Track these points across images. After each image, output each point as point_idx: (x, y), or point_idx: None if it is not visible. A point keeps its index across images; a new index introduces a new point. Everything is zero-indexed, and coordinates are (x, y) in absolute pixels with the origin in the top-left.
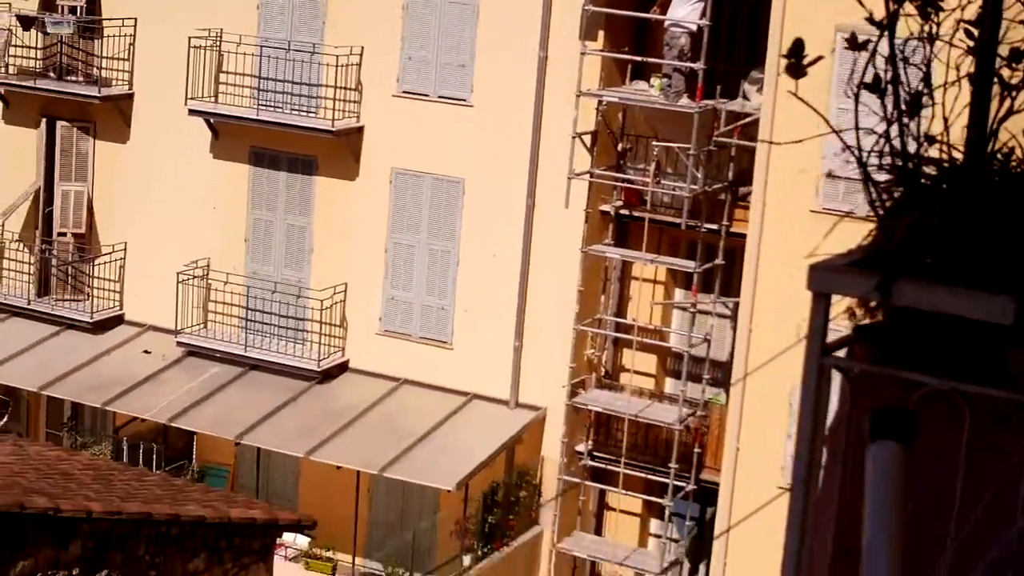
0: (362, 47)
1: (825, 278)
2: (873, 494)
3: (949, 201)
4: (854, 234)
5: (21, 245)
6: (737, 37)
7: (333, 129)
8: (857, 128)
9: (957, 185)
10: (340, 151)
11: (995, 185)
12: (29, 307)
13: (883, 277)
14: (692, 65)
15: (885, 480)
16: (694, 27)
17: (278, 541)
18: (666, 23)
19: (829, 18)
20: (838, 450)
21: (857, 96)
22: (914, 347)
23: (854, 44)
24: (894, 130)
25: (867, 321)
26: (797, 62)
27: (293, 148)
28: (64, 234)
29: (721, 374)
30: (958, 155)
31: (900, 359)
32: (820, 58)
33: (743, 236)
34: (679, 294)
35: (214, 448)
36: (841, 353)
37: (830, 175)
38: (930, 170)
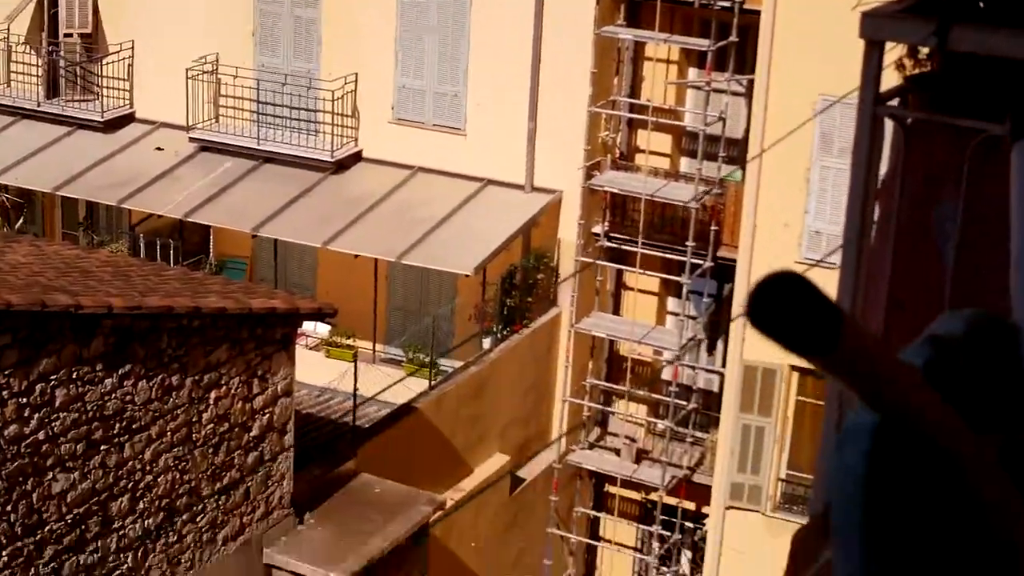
0: None
1: (878, 25)
2: (1021, 193)
3: None
4: None
5: (28, 47)
6: None
7: None
8: None
9: None
10: None
11: None
12: (39, 109)
13: (940, 22)
14: None
15: None
16: None
17: (299, 330)
18: None
19: None
20: (890, 205)
21: None
22: (968, 95)
23: None
24: None
25: (918, 71)
26: None
27: None
28: (71, 35)
29: (736, 152)
30: None
31: (955, 107)
32: None
33: (757, 13)
34: (693, 73)
35: (231, 241)
36: (894, 103)
37: None
38: None
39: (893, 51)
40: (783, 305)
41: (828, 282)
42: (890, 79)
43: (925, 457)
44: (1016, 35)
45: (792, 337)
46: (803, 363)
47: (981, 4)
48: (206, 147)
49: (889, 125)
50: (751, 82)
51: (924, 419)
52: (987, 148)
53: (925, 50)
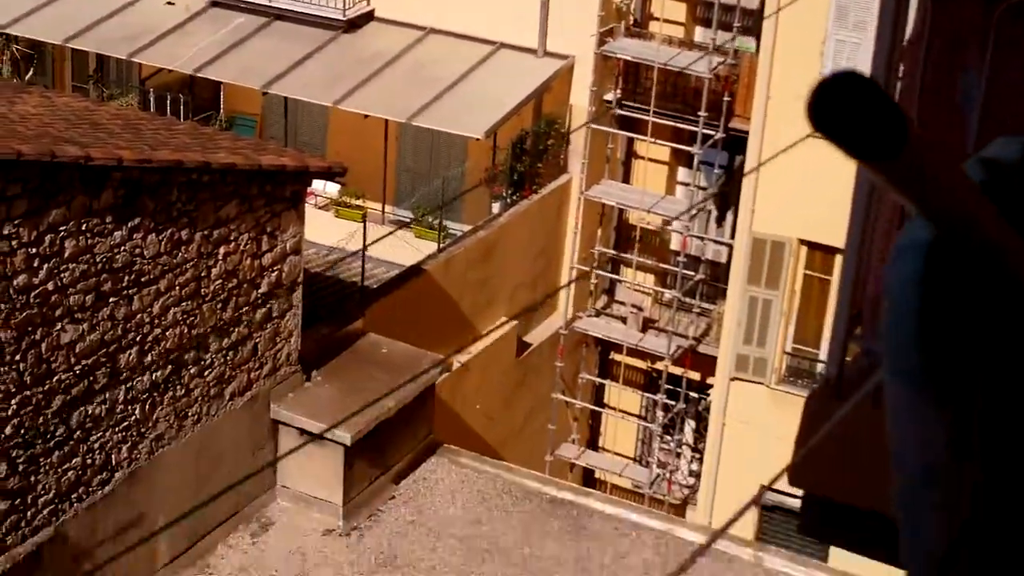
0: None
1: None
2: None
3: None
4: None
5: None
6: None
7: None
8: None
9: None
10: None
11: None
12: None
13: None
14: None
15: None
16: None
17: (308, 189)
18: None
19: None
20: (914, 68)
21: None
22: None
23: None
24: None
25: None
26: None
27: None
28: None
29: (752, 22)
30: None
31: None
32: None
33: None
34: None
35: (241, 98)
36: None
37: None
38: None
39: None
40: (848, 105)
41: (840, 164)
42: None
43: (983, 275)
44: None
45: (856, 140)
46: (814, 232)
47: None
48: (217, 2)
49: None
50: None
51: (986, 235)
52: (1014, 14)
53: None
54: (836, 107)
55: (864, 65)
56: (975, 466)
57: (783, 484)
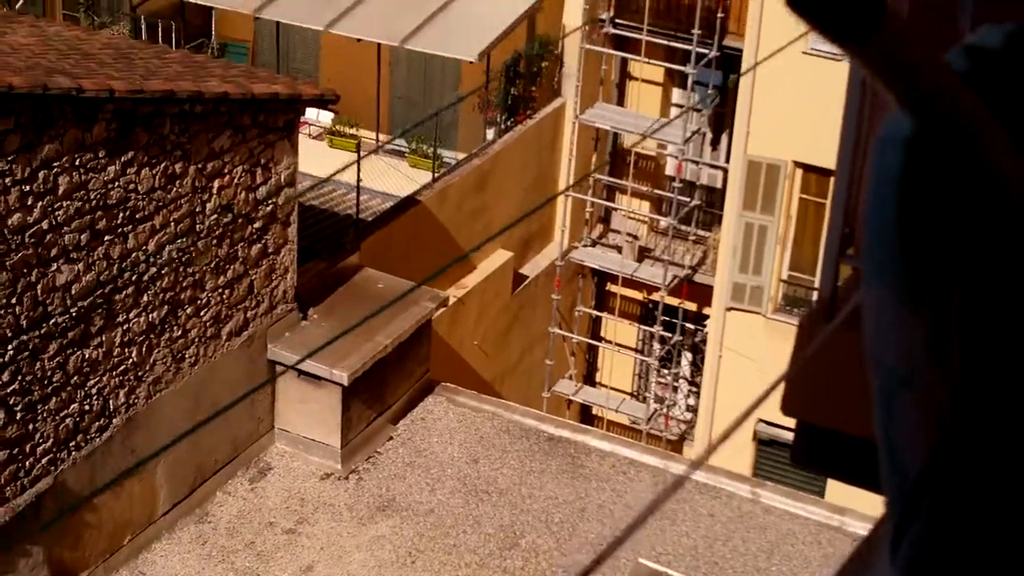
0: None
1: None
2: None
3: None
4: None
5: None
6: None
7: None
8: None
9: None
10: None
11: None
12: None
13: None
14: None
15: None
16: None
17: (302, 119)
18: None
19: None
20: None
21: None
22: None
23: None
24: None
25: None
26: None
27: None
28: None
29: None
30: None
31: None
32: None
33: None
34: None
35: (233, 24)
36: None
37: None
38: None
39: None
40: None
41: (832, 84)
42: None
43: (962, 166)
44: None
45: (831, 19)
46: (809, 154)
47: None
48: None
49: None
50: None
51: (965, 125)
52: None
53: None
54: None
55: None
56: (953, 370)
57: (780, 417)
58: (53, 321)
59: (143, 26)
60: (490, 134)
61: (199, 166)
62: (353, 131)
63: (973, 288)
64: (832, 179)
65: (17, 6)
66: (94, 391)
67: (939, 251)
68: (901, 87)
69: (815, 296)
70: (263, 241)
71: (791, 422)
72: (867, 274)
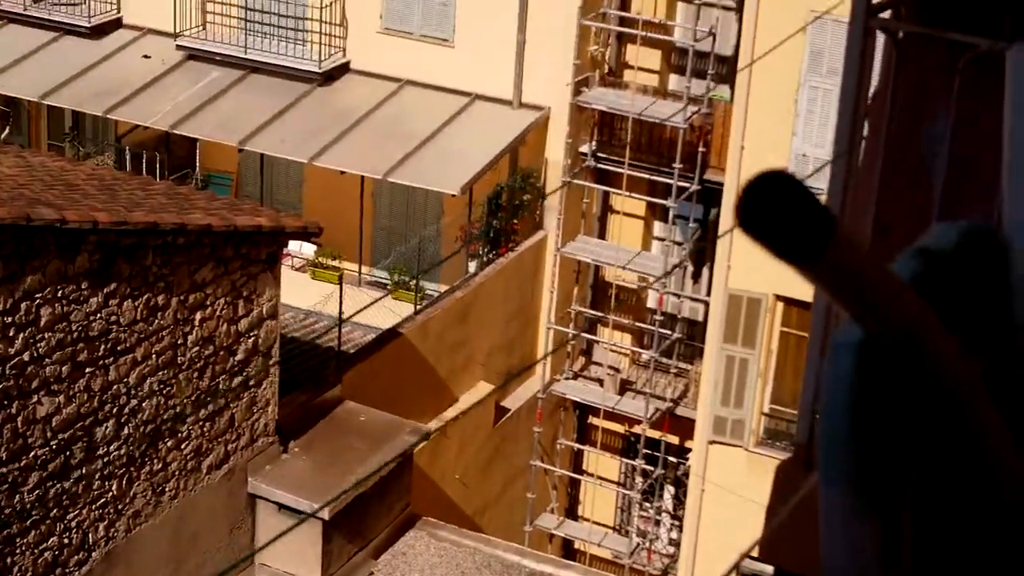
0: None
1: None
2: (1017, 99)
3: None
4: None
5: None
6: None
7: None
8: None
9: None
10: None
11: None
12: (25, 13)
13: None
14: None
15: None
16: None
17: (284, 250)
18: None
19: None
20: (880, 123)
21: None
22: (960, 9)
23: None
24: None
25: None
26: None
27: None
28: None
29: (726, 70)
30: None
31: (948, 21)
32: None
33: None
34: None
35: (217, 155)
36: (887, 15)
37: None
38: None
39: None
40: (772, 207)
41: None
42: None
43: (911, 373)
44: None
45: (780, 242)
46: (790, 287)
47: None
48: (193, 55)
49: (881, 39)
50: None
51: (913, 334)
52: (978, 64)
53: None
54: (762, 208)
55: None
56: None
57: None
58: (33, 453)
59: (128, 156)
60: (472, 267)
61: (181, 298)
62: (336, 263)
63: (925, 496)
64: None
65: (2, 136)
66: (73, 524)
67: (890, 455)
68: (849, 300)
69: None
70: (244, 373)
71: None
72: (821, 477)
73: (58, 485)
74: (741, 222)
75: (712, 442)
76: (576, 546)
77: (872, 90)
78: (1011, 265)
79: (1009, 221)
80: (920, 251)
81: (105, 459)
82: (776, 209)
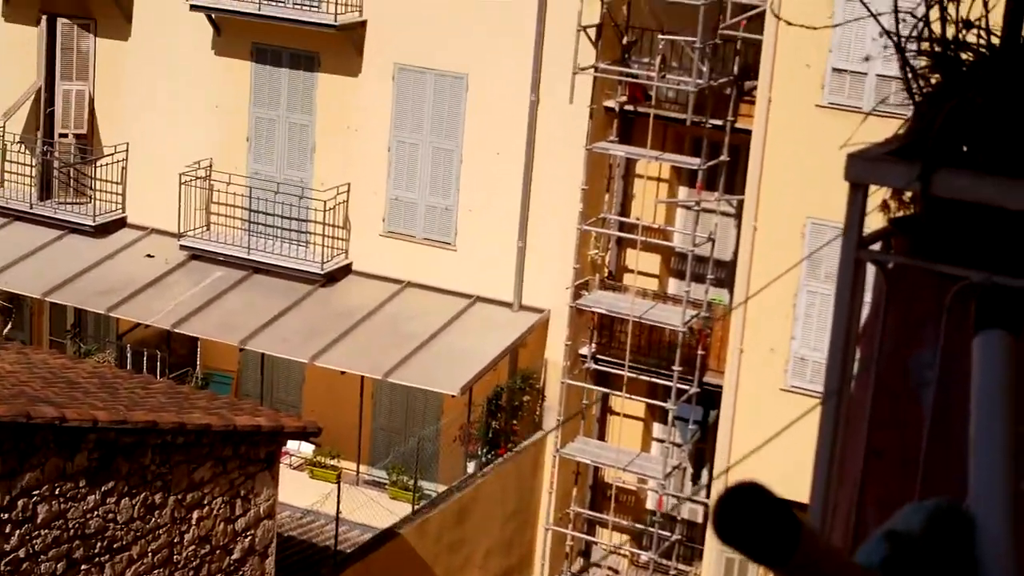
0: None
1: (863, 167)
2: (982, 382)
3: (988, 88)
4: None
5: (23, 147)
6: None
7: (336, 23)
8: (896, 11)
9: (997, 72)
10: (343, 46)
11: None
12: (31, 211)
13: (924, 167)
14: None
15: (994, 369)
16: None
17: (283, 449)
18: None
19: None
20: (871, 352)
21: None
22: (951, 239)
23: None
24: (933, 14)
25: (902, 214)
26: None
27: (295, 43)
28: (66, 135)
29: (725, 274)
30: (997, 40)
31: (937, 252)
32: None
33: (748, 132)
34: (683, 192)
35: (218, 353)
36: (877, 247)
37: (836, 70)
38: (968, 56)
39: (879, 191)
40: (744, 516)
41: (811, 419)
42: (876, 219)
43: None
44: (998, 182)
45: (751, 548)
46: (788, 491)
47: (965, 148)
48: (196, 255)
49: (871, 267)
50: (741, 203)
51: None
52: (968, 294)
53: (910, 192)
54: (735, 517)
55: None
56: None
57: None
58: None
59: (129, 354)
60: (471, 467)
61: (179, 497)
62: (334, 462)
63: None
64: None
65: (5, 331)
66: None
67: None
68: None
69: None
70: (240, 573)
71: None
72: None
73: None
74: (717, 531)
75: None
76: None
77: (864, 319)
78: (978, 540)
79: (973, 496)
80: (889, 534)
81: None
82: (747, 519)
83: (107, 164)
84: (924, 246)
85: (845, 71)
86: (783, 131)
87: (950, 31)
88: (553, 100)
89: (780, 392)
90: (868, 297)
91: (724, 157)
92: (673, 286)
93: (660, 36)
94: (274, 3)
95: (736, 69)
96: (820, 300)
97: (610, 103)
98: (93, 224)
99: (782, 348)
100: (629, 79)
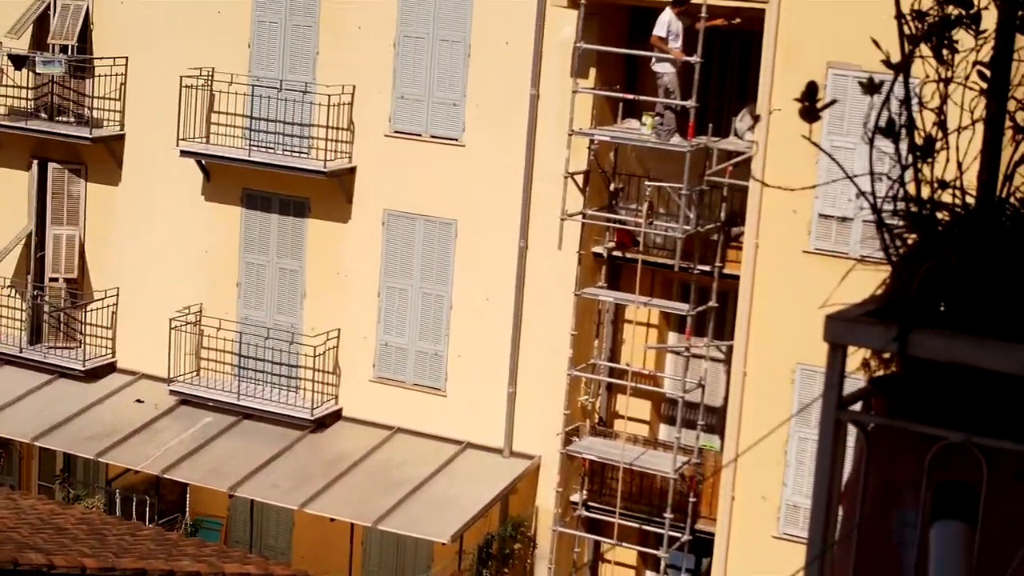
0: (354, 86)
1: (841, 328)
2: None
3: (964, 248)
4: (852, 276)
5: (13, 291)
6: (728, 73)
7: (325, 170)
8: (872, 173)
9: (972, 231)
10: (332, 193)
11: (1010, 230)
12: (21, 355)
13: (901, 328)
14: (683, 103)
15: (951, 562)
16: (669, 70)
17: None
18: (652, 62)
19: (820, 54)
20: (853, 511)
21: (872, 141)
22: (931, 399)
23: (870, 88)
24: (908, 175)
25: (882, 372)
26: (811, 105)
27: (285, 190)
28: (56, 279)
29: (716, 419)
30: (972, 200)
31: (917, 412)
32: (834, 102)
33: (736, 278)
34: (673, 337)
35: (207, 500)
36: (857, 407)
37: (823, 216)
38: (944, 216)
39: (860, 351)
40: None
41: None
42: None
43: None
44: (974, 342)
45: None
46: None
47: (942, 307)
48: (186, 400)
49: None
50: (730, 349)
51: None
52: (947, 454)
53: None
54: None
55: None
56: None
57: None
58: None
59: (118, 499)
60: None
61: None
62: None
63: None
64: None
65: None
66: None
67: None
68: None
69: None
70: None
71: None
72: None
73: None
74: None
75: None
76: None
77: (845, 478)
78: None
79: None
80: None
81: None
82: None
83: (97, 309)
84: (903, 406)
85: (831, 217)
86: (771, 277)
87: (925, 191)
88: (542, 246)
89: (772, 540)
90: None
91: (713, 303)
92: (664, 432)
93: (647, 183)
94: (264, 149)
95: (723, 215)
96: (811, 447)
97: (598, 249)
98: (83, 369)
99: (774, 495)
100: (617, 225)
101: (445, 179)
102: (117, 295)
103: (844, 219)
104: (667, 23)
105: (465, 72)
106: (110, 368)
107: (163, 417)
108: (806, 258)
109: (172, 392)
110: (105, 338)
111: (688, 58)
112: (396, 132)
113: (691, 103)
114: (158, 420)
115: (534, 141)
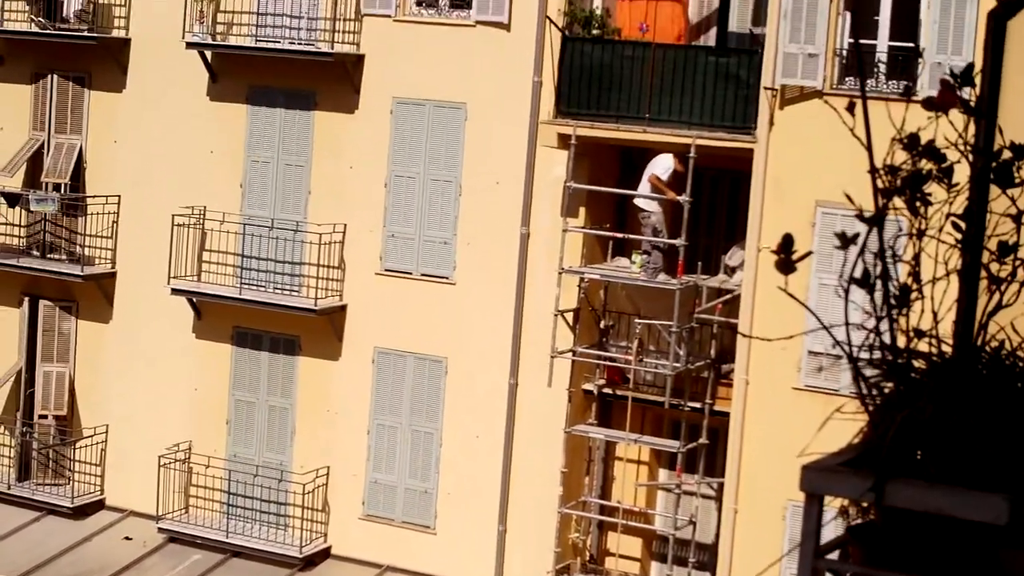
0: (345, 224)
1: (817, 478)
2: None
3: (940, 397)
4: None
5: (2, 428)
6: (717, 211)
7: (316, 308)
8: (847, 324)
9: (947, 380)
10: (323, 330)
11: (985, 380)
12: (9, 492)
13: (877, 478)
14: (671, 241)
15: None
16: (657, 209)
17: None
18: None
19: (808, 194)
20: None
21: (847, 292)
22: (908, 547)
23: (844, 241)
24: (883, 325)
25: (859, 521)
26: (787, 257)
27: (276, 328)
28: (45, 416)
29: (707, 556)
30: (948, 349)
31: (893, 560)
32: (809, 253)
33: (727, 414)
34: (663, 474)
35: None
36: (834, 555)
37: (812, 353)
38: (920, 364)
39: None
40: None
41: None
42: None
43: None
44: (948, 492)
45: None
46: None
47: (919, 456)
48: (175, 538)
49: None
50: (721, 486)
51: None
52: None
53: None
54: None
55: None
56: None
57: None
58: None
59: None
60: None
61: None
62: None
63: None
64: None
65: None
66: None
67: None
68: None
69: None
70: None
71: None
72: None
73: None
74: None
75: None
76: None
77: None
78: None
79: None
80: None
81: None
82: None
83: (86, 446)
84: (880, 555)
85: (820, 354)
86: (761, 414)
87: (901, 340)
88: (532, 383)
89: None
90: None
91: (703, 440)
92: (655, 570)
93: (637, 320)
94: (255, 287)
95: (713, 352)
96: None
97: (589, 386)
98: (71, 506)
99: None
100: (607, 363)
101: (436, 317)
102: (106, 432)
103: (833, 356)
104: (670, 168)
105: (456, 211)
106: (99, 505)
107: (152, 555)
108: (796, 395)
109: (160, 530)
110: (94, 475)
111: (679, 198)
112: (387, 270)
113: (680, 241)
114: (147, 558)
115: (524, 279)
